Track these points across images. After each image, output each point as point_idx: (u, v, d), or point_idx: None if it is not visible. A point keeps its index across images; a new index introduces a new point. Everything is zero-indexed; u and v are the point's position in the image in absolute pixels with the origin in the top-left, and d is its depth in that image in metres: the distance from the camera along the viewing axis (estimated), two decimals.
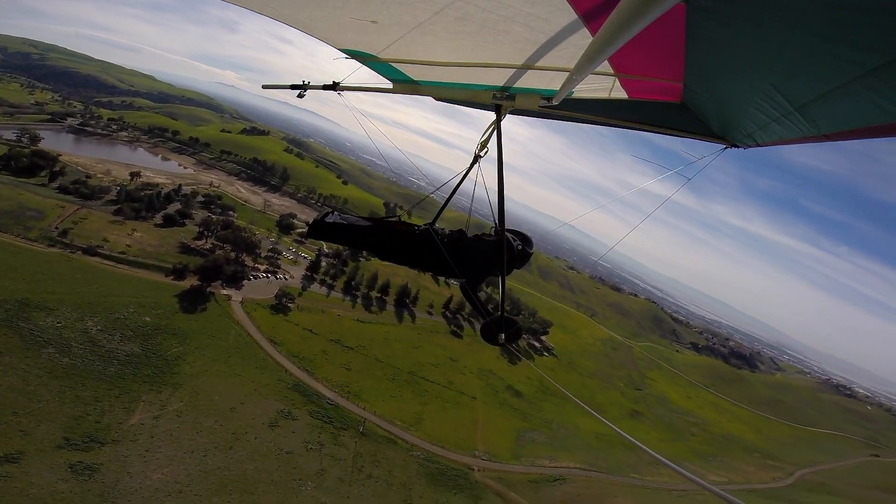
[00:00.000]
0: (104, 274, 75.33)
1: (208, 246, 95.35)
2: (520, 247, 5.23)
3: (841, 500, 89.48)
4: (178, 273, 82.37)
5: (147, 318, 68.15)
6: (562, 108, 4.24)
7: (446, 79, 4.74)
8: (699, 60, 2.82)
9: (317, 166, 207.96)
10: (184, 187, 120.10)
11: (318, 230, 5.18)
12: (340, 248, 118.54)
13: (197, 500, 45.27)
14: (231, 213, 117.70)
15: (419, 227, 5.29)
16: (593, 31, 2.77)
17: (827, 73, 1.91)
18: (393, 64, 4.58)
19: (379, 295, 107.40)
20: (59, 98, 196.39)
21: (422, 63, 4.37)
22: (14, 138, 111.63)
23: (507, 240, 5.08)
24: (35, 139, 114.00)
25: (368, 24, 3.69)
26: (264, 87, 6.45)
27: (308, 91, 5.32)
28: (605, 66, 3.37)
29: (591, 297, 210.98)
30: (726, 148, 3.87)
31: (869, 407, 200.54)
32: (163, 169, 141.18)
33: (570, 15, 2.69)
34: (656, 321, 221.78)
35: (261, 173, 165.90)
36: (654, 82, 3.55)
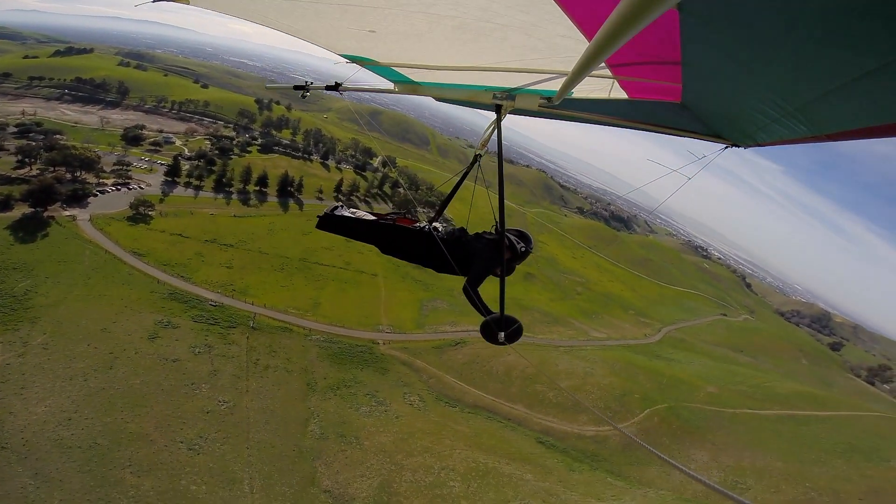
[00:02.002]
0: None
1: (34, 172, 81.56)
2: (523, 249, 5.18)
3: (696, 355, 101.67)
4: (2, 205, 70.48)
5: None
6: (562, 108, 4.19)
7: (446, 80, 4.74)
8: (696, 64, 2.77)
9: (166, 75, 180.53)
10: None
11: (328, 222, 5.26)
12: (210, 152, 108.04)
13: (89, 423, 43.46)
14: (58, 136, 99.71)
15: (420, 224, 5.27)
16: (589, 37, 2.77)
17: (825, 75, 1.87)
18: (393, 67, 4.61)
19: (257, 188, 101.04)
20: None
21: (421, 67, 4.40)
22: None
23: (510, 240, 5.07)
24: None
25: (367, 32, 3.78)
26: (267, 87, 6.60)
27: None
28: (604, 68, 3.33)
29: (487, 170, 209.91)
30: (727, 147, 3.85)
31: (706, 265, 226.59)
32: None
33: (566, 22, 2.67)
34: (546, 189, 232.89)
35: (90, 92, 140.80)
36: (652, 83, 3.51)
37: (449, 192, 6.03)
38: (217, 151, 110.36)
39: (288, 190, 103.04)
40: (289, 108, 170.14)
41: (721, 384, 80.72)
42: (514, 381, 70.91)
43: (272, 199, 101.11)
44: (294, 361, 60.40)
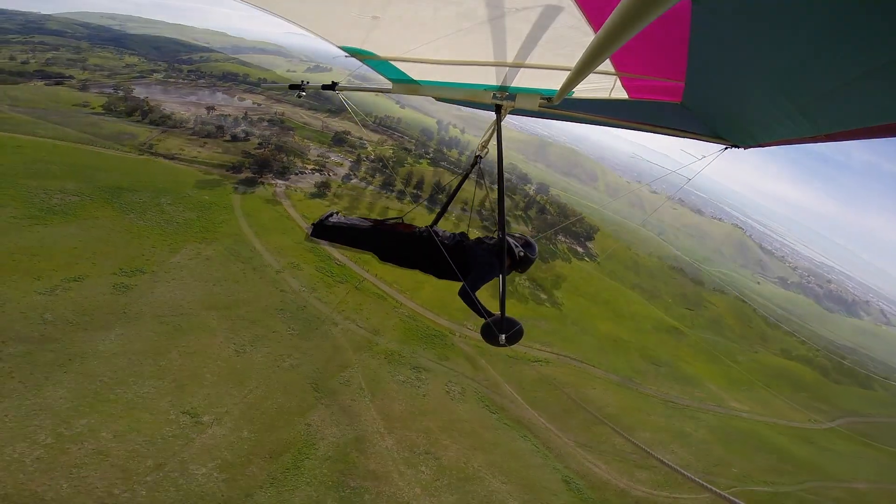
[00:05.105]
0: (179, 171, 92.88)
1: (266, 154, 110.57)
2: (521, 253, 5.21)
3: (868, 450, 78.13)
4: (237, 168, 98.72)
5: (206, 197, 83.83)
6: (562, 108, 4.18)
7: (446, 78, 4.70)
8: (702, 60, 2.81)
9: (376, 95, 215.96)
10: (252, 115, 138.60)
11: (320, 230, 5.34)
12: (389, 159, 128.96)
13: (187, 312, 55.56)
14: (290, 130, 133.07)
15: (420, 228, 5.32)
16: (596, 28, 2.79)
17: (828, 72, 1.94)
18: (393, 63, 4.52)
19: (415, 191, 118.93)
20: (145, 60, 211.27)
21: (422, 61, 4.33)
22: (112, 91, 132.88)
23: (509, 243, 5.06)
24: (128, 90, 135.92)
25: (369, 20, 3.67)
26: (263, 87, 8.84)
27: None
28: (607, 64, 3.36)
29: (665, 215, 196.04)
30: (727, 148, 3.87)
31: None
32: (239, 106, 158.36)
33: (574, 11, 2.71)
34: (740, 248, 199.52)
35: (321, 102, 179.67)
36: (655, 82, 3.50)
37: (449, 194, 5.67)
38: (395, 159, 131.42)
39: (437, 197, 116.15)
40: (462, 132, 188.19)
41: (878, 481, 62.45)
42: (582, 413, 64.73)
43: (422, 201, 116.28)
44: (371, 322, 67.37)
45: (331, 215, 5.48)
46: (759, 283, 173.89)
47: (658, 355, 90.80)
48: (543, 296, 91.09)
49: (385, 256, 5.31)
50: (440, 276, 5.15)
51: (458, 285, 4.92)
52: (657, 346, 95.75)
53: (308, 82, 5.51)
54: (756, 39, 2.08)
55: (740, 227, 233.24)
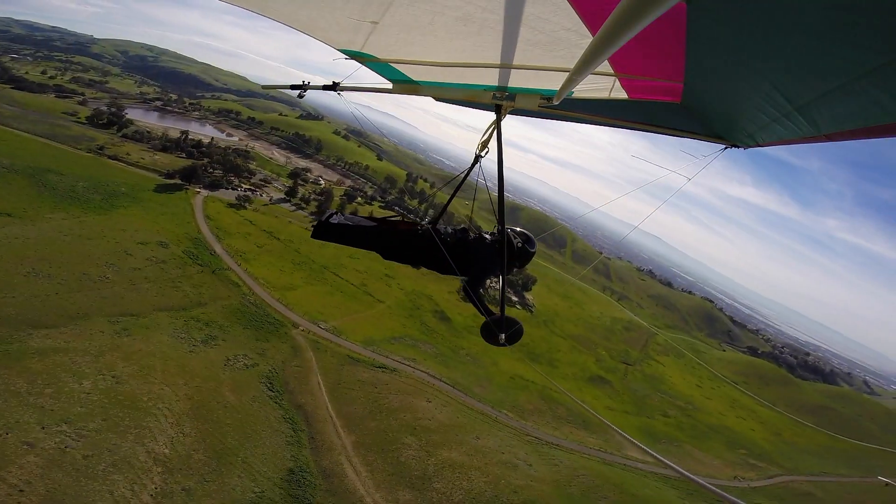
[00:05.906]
0: (120, 170, 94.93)
1: (235, 161, 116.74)
2: (520, 245, 5.24)
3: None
4: (169, 175, 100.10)
5: (165, 200, 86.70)
6: (562, 108, 4.24)
7: (446, 79, 4.73)
8: (700, 61, 2.82)
9: (359, 146, 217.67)
10: (221, 143, 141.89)
11: (322, 230, 5.24)
12: (339, 196, 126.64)
13: (139, 313, 55.16)
14: (251, 161, 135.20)
15: (421, 226, 5.32)
16: (593, 31, 2.81)
17: (827, 72, 1.94)
18: (392, 64, 4.55)
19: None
20: (160, 92, 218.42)
21: (421, 63, 4.36)
22: (105, 109, 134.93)
23: (508, 238, 5.09)
24: (120, 108, 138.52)
25: (368, 24, 3.68)
26: (264, 87, 6.72)
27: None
28: (606, 66, 3.38)
29: (630, 285, 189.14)
30: (726, 148, 3.92)
31: None
32: (220, 137, 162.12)
33: (571, 15, 2.74)
34: (707, 320, 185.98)
35: (298, 144, 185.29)
36: (654, 82, 3.54)
37: (451, 194, 5.94)
38: (345, 197, 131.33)
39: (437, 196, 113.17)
40: (432, 186, 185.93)
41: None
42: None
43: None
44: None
45: (332, 215, 5.34)
46: (724, 350, 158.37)
47: (565, 397, 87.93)
48: (445, 330, 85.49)
49: (388, 255, 5.26)
50: (443, 272, 5.06)
51: (455, 280, 4.92)
52: (571, 391, 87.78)
53: (309, 82, 5.51)
54: (753, 40, 2.09)
55: (709, 300, 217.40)
